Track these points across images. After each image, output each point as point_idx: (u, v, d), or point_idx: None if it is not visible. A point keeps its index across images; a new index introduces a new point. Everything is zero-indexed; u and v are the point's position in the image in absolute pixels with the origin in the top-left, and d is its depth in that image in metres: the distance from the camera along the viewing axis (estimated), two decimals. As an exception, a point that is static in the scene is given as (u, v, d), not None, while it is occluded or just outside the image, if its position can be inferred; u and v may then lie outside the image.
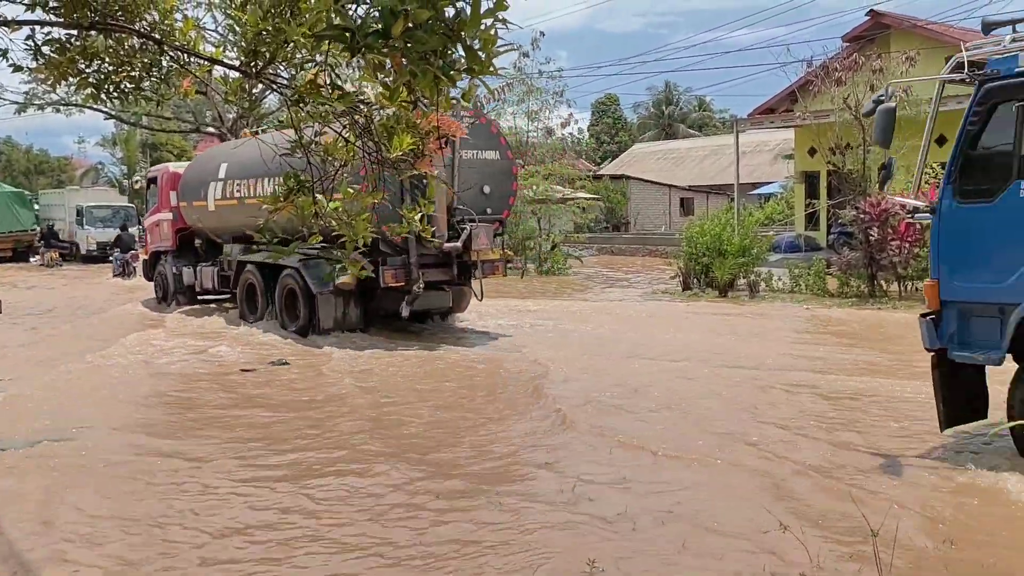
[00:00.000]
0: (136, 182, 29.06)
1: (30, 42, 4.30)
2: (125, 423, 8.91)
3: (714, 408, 8.99)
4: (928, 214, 6.87)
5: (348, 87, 4.30)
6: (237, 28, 4.30)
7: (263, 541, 5.65)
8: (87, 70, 4.42)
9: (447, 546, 5.50)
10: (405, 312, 13.54)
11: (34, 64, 4.38)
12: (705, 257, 19.95)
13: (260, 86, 5.05)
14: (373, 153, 4.77)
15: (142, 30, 4.44)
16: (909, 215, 7.68)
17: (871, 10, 25.34)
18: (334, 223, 4.87)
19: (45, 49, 4.32)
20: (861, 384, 9.85)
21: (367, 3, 2.86)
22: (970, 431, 7.32)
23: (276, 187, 17.43)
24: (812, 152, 23.58)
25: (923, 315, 6.85)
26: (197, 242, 18.50)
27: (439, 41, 2.67)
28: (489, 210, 13.97)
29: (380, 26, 2.68)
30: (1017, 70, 6.28)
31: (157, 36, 4.43)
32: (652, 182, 47.53)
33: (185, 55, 4.58)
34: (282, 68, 4.69)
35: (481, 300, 14.53)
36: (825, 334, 14.21)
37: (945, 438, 7.32)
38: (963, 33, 22.94)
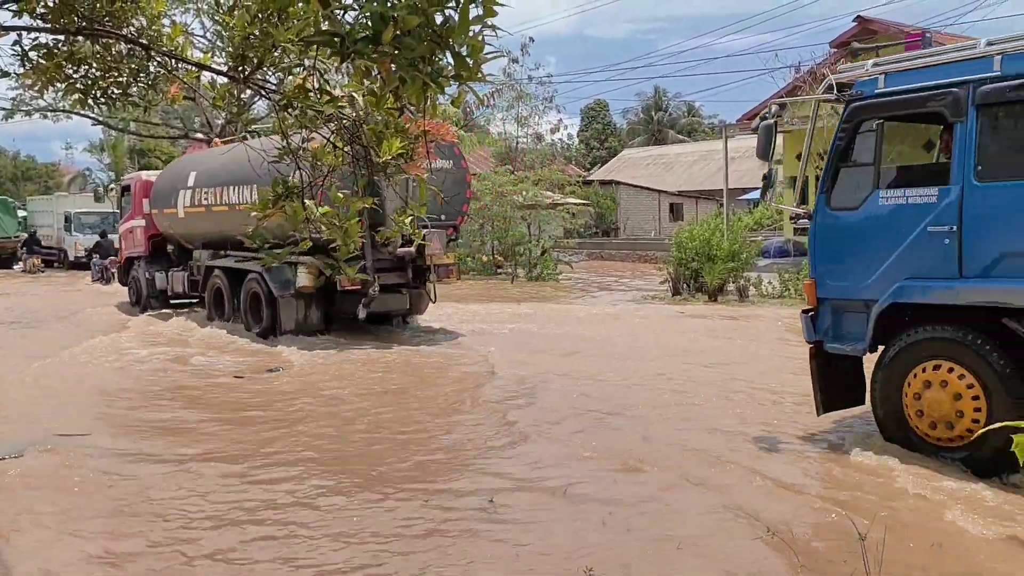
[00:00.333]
0: (111, 189, 29.22)
1: (17, 48, 4.29)
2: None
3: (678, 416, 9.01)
4: (807, 220, 7.53)
5: (336, 92, 4.29)
6: (224, 33, 4.30)
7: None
8: (74, 75, 4.41)
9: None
10: (362, 314, 14.09)
11: (21, 70, 4.37)
12: (695, 262, 19.98)
13: (248, 91, 5.04)
14: (362, 158, 4.77)
15: (129, 35, 4.43)
16: (793, 222, 8.34)
17: (858, 16, 25.48)
18: (324, 228, 4.86)
19: (32, 55, 4.30)
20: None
21: (355, 9, 2.86)
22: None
23: (242, 195, 17.49)
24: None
25: (804, 311, 7.54)
26: (169, 248, 19.13)
27: (428, 47, 2.67)
28: (443, 217, 14.25)
29: (370, 32, 2.68)
30: (877, 91, 7.02)
31: (144, 41, 4.43)
32: (642, 187, 47.65)
33: (173, 60, 4.57)
34: (270, 73, 4.68)
35: (435, 302, 15.22)
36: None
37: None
38: (948, 38, 23.04)
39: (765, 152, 7.63)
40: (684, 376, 10.77)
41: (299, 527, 5.88)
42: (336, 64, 3.58)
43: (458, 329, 15.52)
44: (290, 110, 4.46)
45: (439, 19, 2.69)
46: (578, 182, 34.34)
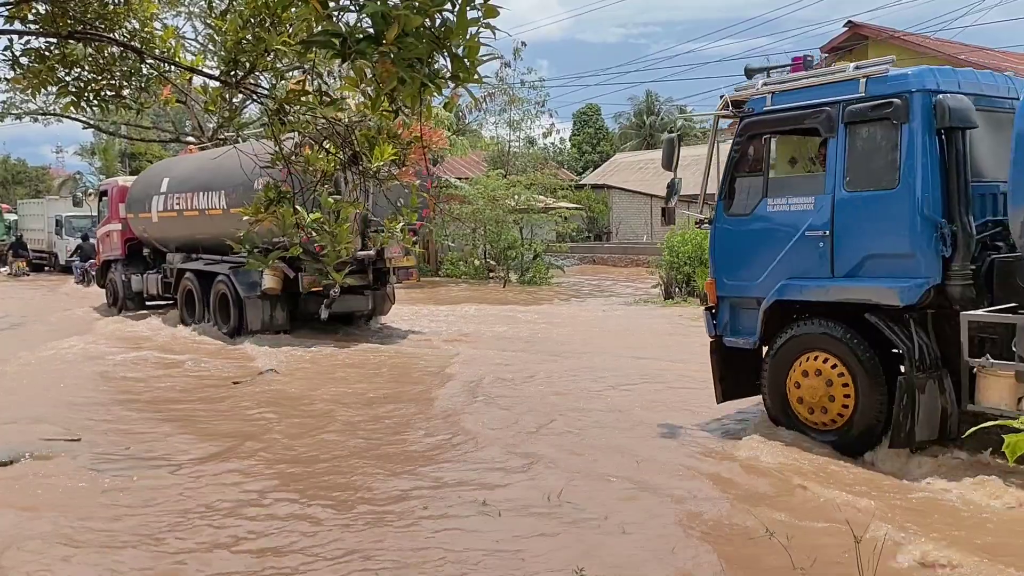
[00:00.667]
0: (90, 194, 29.38)
1: (7, 52, 4.27)
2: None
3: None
4: (708, 225, 8.32)
5: (333, 96, 4.29)
6: (217, 37, 4.29)
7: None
8: (67, 78, 4.39)
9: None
10: (324, 314, 14.71)
11: (12, 74, 4.35)
12: (687, 266, 19.99)
13: (240, 96, 5.03)
14: (354, 164, 4.76)
15: (121, 39, 4.41)
16: (698, 226, 9.07)
17: (849, 21, 25.51)
18: (315, 234, 4.85)
19: (23, 60, 4.28)
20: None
21: (353, 10, 2.84)
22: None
23: (211, 201, 17.79)
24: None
25: (706, 308, 8.34)
26: (145, 251, 19.67)
27: (426, 48, 2.66)
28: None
29: (371, 31, 2.66)
30: (765, 108, 7.78)
31: (137, 44, 4.41)
32: (634, 192, 47.65)
33: (165, 64, 4.56)
34: (263, 78, 4.67)
35: (393, 303, 16.18)
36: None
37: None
38: (940, 44, 23.15)
39: (669, 163, 8.52)
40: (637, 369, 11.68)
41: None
42: (335, 66, 3.56)
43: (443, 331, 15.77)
44: (282, 114, 4.45)
45: (437, 20, 2.68)
46: (570, 186, 34.23)
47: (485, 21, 2.68)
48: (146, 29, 4.41)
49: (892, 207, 6.89)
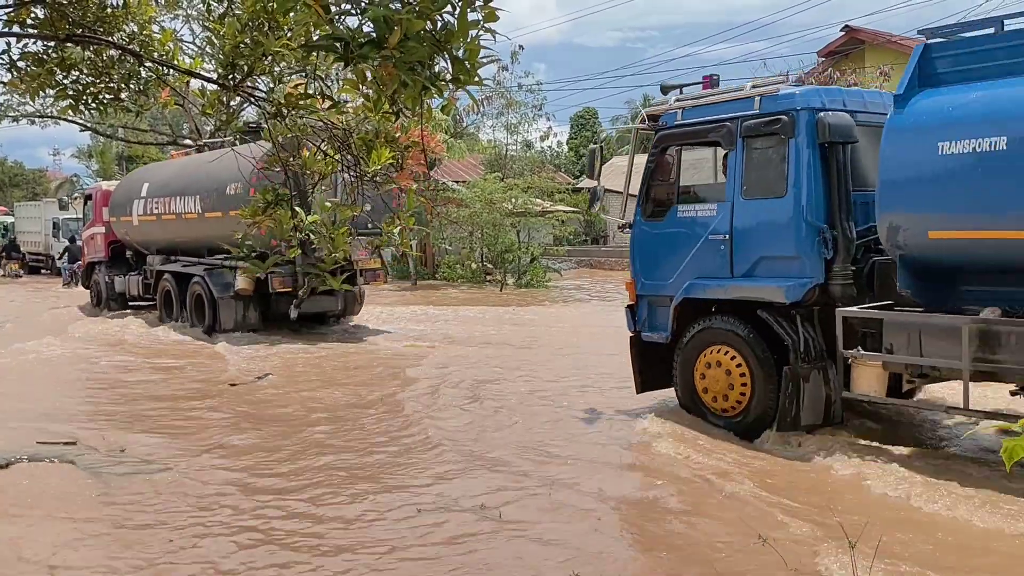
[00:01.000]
0: (75, 198, 29.63)
1: (5, 56, 4.27)
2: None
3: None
4: (630, 229, 9.02)
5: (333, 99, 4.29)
6: (215, 41, 4.29)
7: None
8: (65, 82, 4.39)
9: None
10: (293, 314, 15.25)
11: (8, 78, 4.35)
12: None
13: (238, 99, 5.03)
14: (352, 167, 4.77)
15: (119, 42, 4.42)
16: (621, 229, 9.60)
17: (846, 25, 25.56)
18: (313, 237, 4.85)
19: (21, 64, 4.28)
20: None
21: (354, 13, 2.84)
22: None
23: (187, 205, 18.03)
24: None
25: (627, 306, 8.98)
26: (128, 253, 20.32)
27: (427, 51, 2.66)
28: (370, 225, 14.62)
29: (373, 36, 2.66)
30: (676, 122, 8.47)
31: (135, 48, 4.41)
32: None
33: (163, 67, 4.56)
34: (260, 81, 4.67)
35: (362, 304, 16.77)
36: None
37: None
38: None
39: (592, 171, 9.51)
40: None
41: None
42: (336, 69, 3.57)
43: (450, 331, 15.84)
44: (280, 118, 4.45)
45: (438, 24, 2.69)
46: (567, 189, 34.29)
47: (485, 24, 2.68)
48: (144, 32, 4.42)
49: (781, 213, 7.62)
